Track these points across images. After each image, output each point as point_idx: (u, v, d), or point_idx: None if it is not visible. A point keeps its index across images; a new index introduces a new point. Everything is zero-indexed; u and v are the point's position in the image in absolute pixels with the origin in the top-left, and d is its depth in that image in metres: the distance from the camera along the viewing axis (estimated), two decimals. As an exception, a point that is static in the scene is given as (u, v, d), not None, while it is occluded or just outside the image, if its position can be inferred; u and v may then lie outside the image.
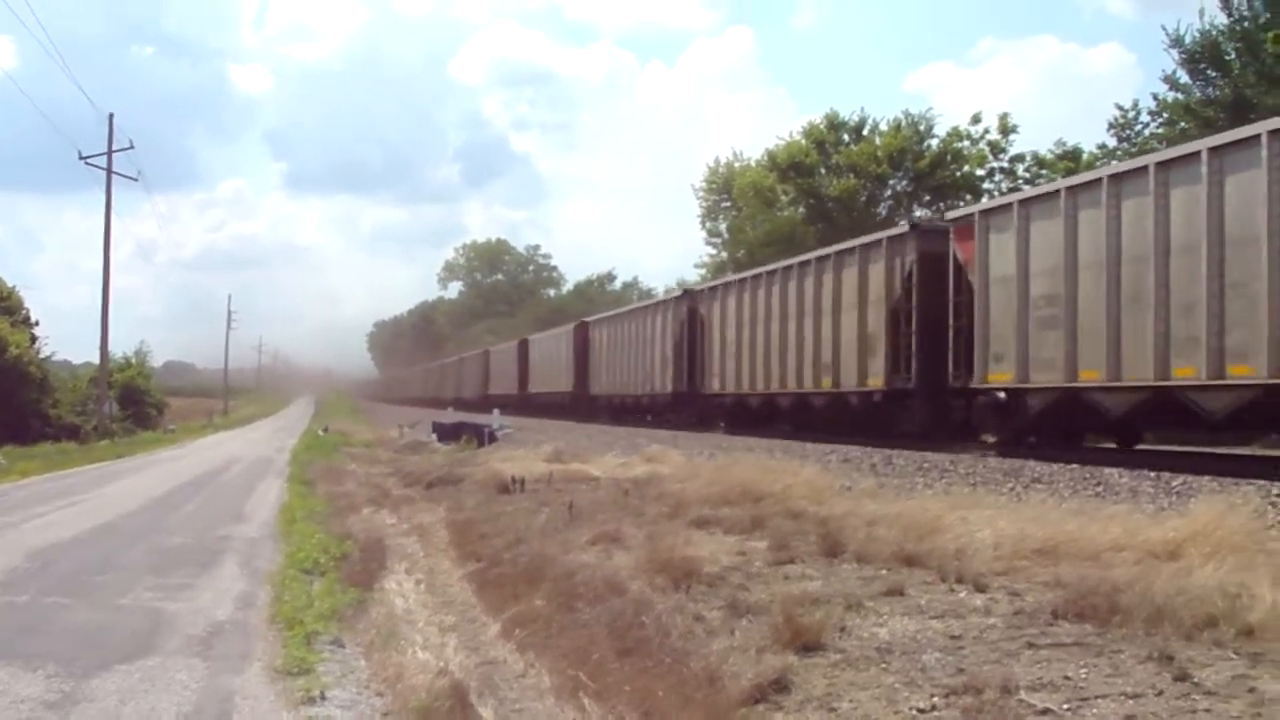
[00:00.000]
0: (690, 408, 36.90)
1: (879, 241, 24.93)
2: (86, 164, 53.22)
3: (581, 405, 48.81)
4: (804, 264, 28.40)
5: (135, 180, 57.74)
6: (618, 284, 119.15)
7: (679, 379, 37.33)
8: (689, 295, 38.21)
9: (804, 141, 58.06)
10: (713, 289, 35.90)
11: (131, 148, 55.48)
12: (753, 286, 31.35)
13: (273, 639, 9.78)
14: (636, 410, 42.76)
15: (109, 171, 53.39)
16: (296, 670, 8.58)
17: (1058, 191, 19.19)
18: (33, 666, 8.53)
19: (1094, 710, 6.01)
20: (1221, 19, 36.51)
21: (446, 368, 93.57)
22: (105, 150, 53.45)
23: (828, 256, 27.28)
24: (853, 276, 25.62)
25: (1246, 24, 35.71)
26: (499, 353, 67.81)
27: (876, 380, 24.57)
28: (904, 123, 56.88)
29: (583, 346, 50.25)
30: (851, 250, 26.04)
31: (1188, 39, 37.11)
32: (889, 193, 56.85)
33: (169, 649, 9.37)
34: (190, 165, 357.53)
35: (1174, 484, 14.00)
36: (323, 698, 7.92)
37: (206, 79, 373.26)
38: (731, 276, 36.93)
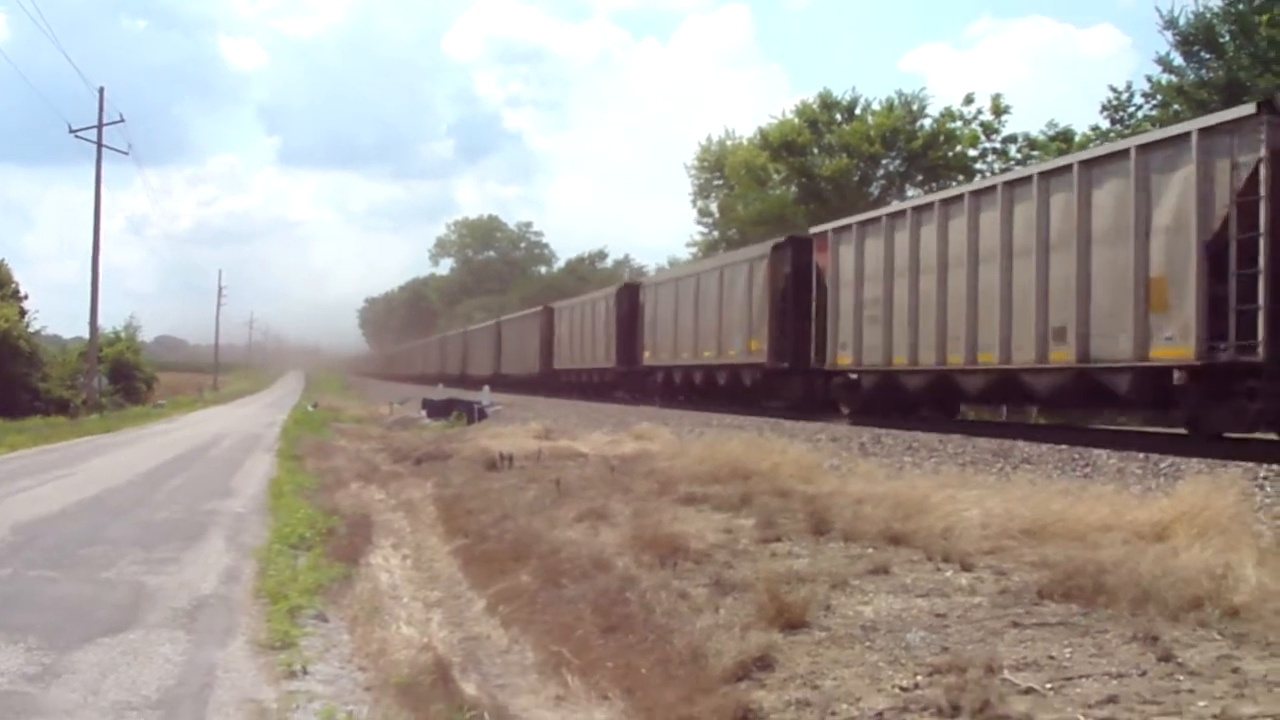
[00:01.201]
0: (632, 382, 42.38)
1: (764, 254, 30.25)
2: (77, 137, 53.04)
3: (547, 381, 53.95)
4: (709, 270, 34.97)
5: (126, 154, 57.70)
6: (609, 262, 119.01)
7: (621, 355, 43.13)
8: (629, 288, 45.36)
9: (796, 120, 57.95)
10: (654, 284, 41.99)
11: (122, 121, 55.31)
12: (676, 285, 37.43)
13: (256, 613, 9.76)
14: (589, 386, 47.98)
15: (99, 145, 53.15)
16: (279, 644, 8.56)
17: (880, 218, 24.15)
18: (14, 639, 8.50)
19: (1077, 690, 5.99)
20: (1216, 1, 36.49)
21: (447, 341, 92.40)
22: (96, 124, 53.21)
23: (732, 261, 33.82)
24: (744, 278, 31.29)
25: (1241, 6, 35.65)
26: (510, 324, 66.77)
27: (761, 360, 30.08)
28: (897, 103, 56.82)
29: (548, 328, 55.59)
30: (745, 260, 32.03)
31: (1182, 21, 37.07)
32: (881, 172, 56.82)
33: (152, 622, 9.35)
34: (182, 139, 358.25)
35: (1162, 465, 13.98)
36: (305, 672, 7.91)
37: (199, 52, 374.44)
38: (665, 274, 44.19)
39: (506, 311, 74.70)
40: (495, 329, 68.24)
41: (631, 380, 42.46)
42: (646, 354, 39.66)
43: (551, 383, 53.57)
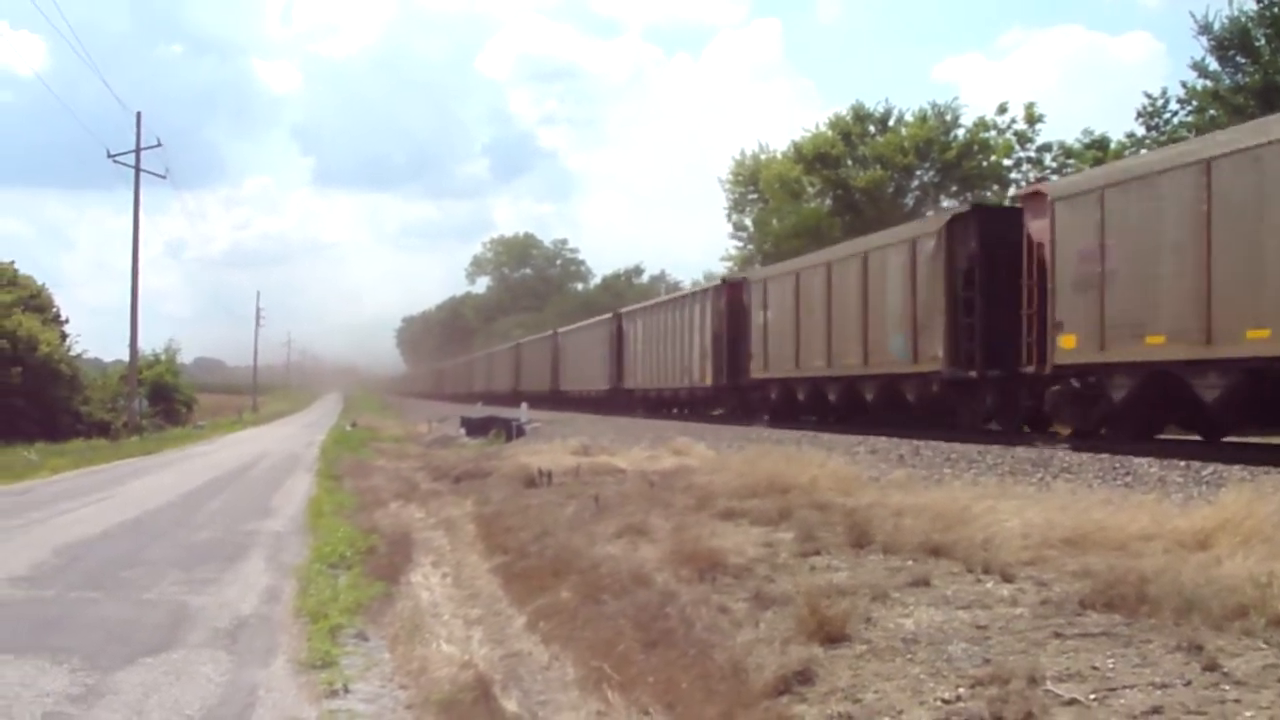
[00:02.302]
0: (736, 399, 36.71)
1: (707, 291, 36.26)
2: (115, 162, 53.58)
3: (619, 399, 48.44)
4: (847, 258, 28.18)
5: (163, 178, 58.12)
6: (645, 277, 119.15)
7: (725, 368, 36.48)
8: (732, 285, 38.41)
9: (830, 133, 57.87)
10: (763, 280, 36.90)
11: (159, 145, 55.87)
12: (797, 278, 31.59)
13: (297, 632, 9.80)
14: (674, 403, 42.68)
15: (137, 169, 53.69)
16: (320, 663, 8.59)
17: (794, 272, 30.94)
18: (58, 660, 8.57)
19: (1121, 700, 5.93)
20: (1251, 4, 36.21)
21: (491, 357, 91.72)
22: (133, 148, 53.75)
23: (699, 291, 38.37)
24: (695, 314, 37.87)
25: (1276, 9, 35.40)
26: (570, 335, 65.45)
27: (706, 379, 36.64)
28: (930, 113, 56.70)
29: (618, 338, 49.64)
30: (692, 295, 37.97)
31: (1216, 25, 36.79)
32: (916, 183, 56.69)
33: (193, 642, 9.41)
34: (217, 162, 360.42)
35: (1204, 473, 13.87)
36: (346, 691, 7.94)
37: (233, 76, 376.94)
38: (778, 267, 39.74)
39: (544, 328, 74.66)
40: (552, 341, 64.71)
41: (736, 397, 36.17)
42: (755, 365, 33.09)
43: (623, 401, 47.70)
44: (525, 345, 71.42)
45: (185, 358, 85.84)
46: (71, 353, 55.29)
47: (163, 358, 70.10)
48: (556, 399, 57.59)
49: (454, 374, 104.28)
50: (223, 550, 14.90)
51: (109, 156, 53.34)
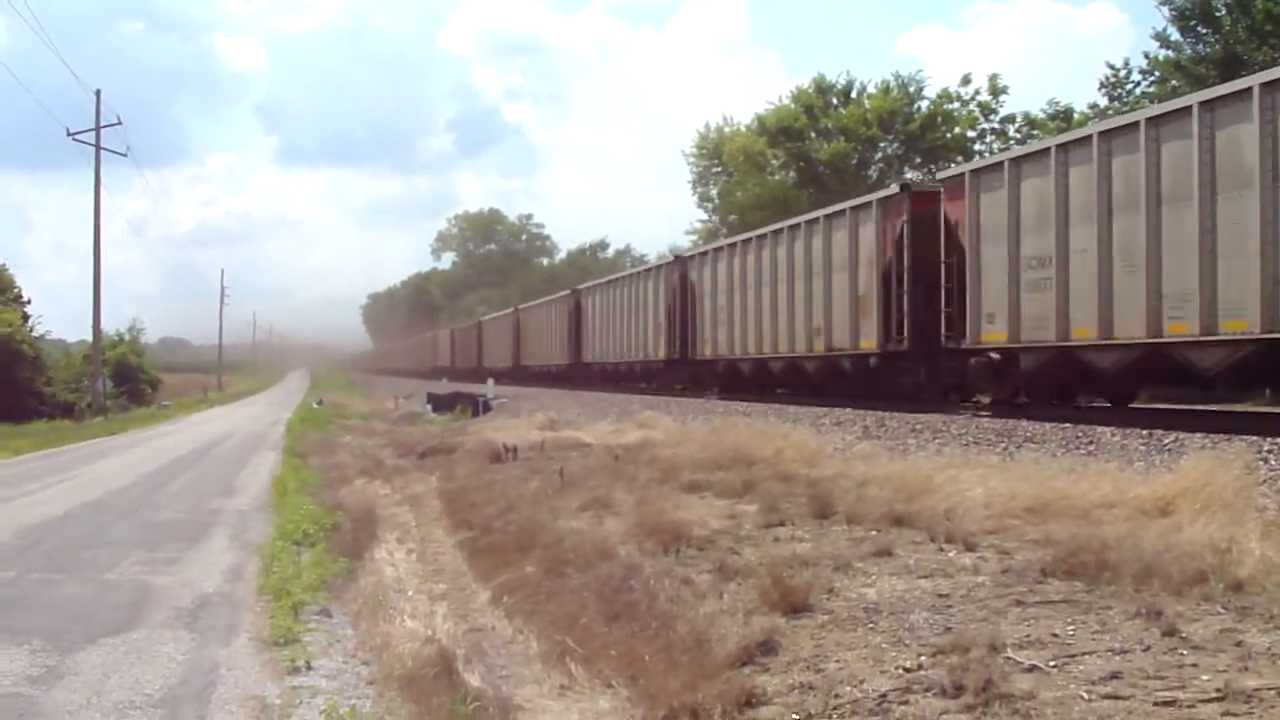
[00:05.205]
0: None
1: (660, 268, 35.05)
2: (75, 140, 52.97)
3: (578, 373, 48.54)
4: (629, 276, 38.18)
5: (124, 156, 57.45)
6: (610, 251, 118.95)
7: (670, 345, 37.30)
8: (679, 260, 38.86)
9: (793, 106, 57.80)
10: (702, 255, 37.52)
11: (120, 124, 55.16)
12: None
13: (260, 610, 9.76)
14: (630, 377, 42.59)
15: (98, 148, 53.06)
16: (283, 640, 8.55)
17: (734, 246, 30.73)
18: (18, 642, 8.51)
19: (1080, 667, 5.97)
20: (1212, -26, 36.26)
21: (455, 334, 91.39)
22: (94, 126, 53.14)
23: (651, 268, 37.75)
24: (649, 290, 38.08)
25: (1237, -20, 35.47)
26: (530, 312, 65.81)
27: (659, 353, 36.67)
28: (894, 85, 56.68)
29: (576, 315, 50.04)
30: (646, 272, 37.87)
31: (1178, -4, 36.87)
32: (879, 155, 56.67)
33: (156, 622, 9.36)
34: (180, 140, 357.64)
35: (1165, 441, 13.93)
36: (309, 667, 7.91)
37: (196, 53, 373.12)
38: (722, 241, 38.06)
39: (509, 304, 74.59)
40: (514, 317, 63.99)
41: (689, 370, 36.30)
42: (701, 344, 34.14)
43: (581, 375, 48.23)
44: (488, 322, 71.71)
45: (150, 337, 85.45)
46: (34, 333, 54.87)
47: (126, 337, 69.61)
48: (518, 374, 57.94)
49: (419, 350, 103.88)
50: (186, 530, 14.82)
51: (69, 135, 52.77)
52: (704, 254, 34.69)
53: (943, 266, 21.14)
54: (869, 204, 24.12)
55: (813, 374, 27.22)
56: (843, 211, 25.32)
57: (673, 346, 36.12)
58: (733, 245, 32.28)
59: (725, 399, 29.66)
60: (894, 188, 24.12)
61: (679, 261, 37.33)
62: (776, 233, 28.79)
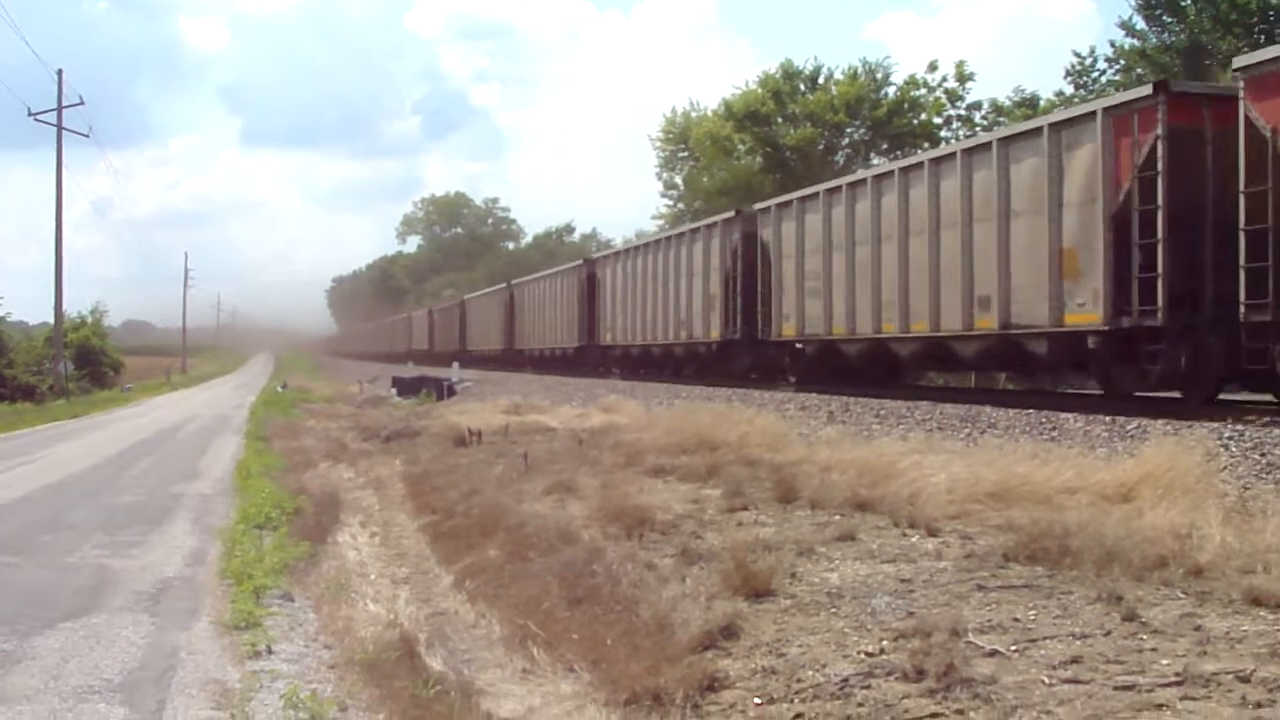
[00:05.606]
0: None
1: (709, 226, 32.01)
2: (36, 121, 52.44)
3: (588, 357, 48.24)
4: (660, 241, 36.76)
5: (86, 136, 56.91)
6: (576, 236, 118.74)
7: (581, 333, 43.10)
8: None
9: (760, 91, 57.75)
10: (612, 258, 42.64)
11: (82, 104, 54.70)
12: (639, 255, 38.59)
13: (221, 594, 9.69)
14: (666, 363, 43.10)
15: (59, 128, 52.60)
16: (244, 625, 8.49)
17: (817, 193, 24.94)
18: (-26, 626, 8.41)
19: (1041, 651, 6.00)
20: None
21: (433, 315, 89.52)
22: (55, 107, 52.68)
23: (701, 227, 34.17)
24: (700, 251, 34.90)
25: (1201, -31, 35.67)
26: (475, 302, 65.59)
27: (711, 333, 33.77)
28: (861, 71, 56.71)
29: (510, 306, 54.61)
30: (682, 233, 35.11)
31: (1144, -15, 37.07)
32: (846, 141, 56.72)
33: (115, 606, 9.28)
34: (144, 121, 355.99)
35: (1128, 427, 13.99)
36: (269, 651, 7.85)
37: (159, 34, 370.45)
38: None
39: (476, 288, 73.98)
40: (506, 295, 60.60)
41: (597, 354, 41.55)
42: (607, 335, 39.74)
43: (515, 360, 52.71)
44: (473, 301, 67.12)
45: (114, 320, 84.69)
46: (-5, 316, 54.48)
47: (89, 320, 69.13)
48: (512, 359, 54.18)
49: (392, 332, 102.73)
50: (147, 513, 14.71)
51: (30, 115, 52.27)
52: (786, 205, 26.96)
53: (759, 279, 27.25)
54: (715, 224, 31.04)
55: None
56: (696, 229, 32.83)
57: (731, 324, 29.64)
58: (629, 248, 39.40)
59: (826, 393, 22.51)
60: (731, 212, 30.66)
61: (741, 218, 30.15)
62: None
